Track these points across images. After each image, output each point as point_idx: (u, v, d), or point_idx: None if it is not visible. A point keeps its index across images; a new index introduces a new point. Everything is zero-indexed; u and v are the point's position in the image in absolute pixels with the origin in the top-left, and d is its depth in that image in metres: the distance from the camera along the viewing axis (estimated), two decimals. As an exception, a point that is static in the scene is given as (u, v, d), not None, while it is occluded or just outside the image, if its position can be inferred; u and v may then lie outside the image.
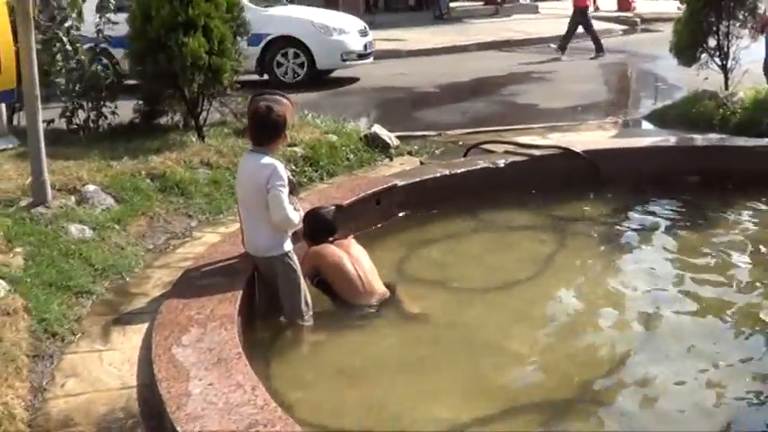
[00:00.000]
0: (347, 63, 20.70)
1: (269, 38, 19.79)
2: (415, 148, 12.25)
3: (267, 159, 6.90)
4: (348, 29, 20.89)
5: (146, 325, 6.50)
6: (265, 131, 7.03)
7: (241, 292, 6.67)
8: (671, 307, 7.60)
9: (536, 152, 11.16)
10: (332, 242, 7.72)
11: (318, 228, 7.80)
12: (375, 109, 17.54)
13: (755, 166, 10.79)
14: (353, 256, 7.58)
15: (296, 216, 7.03)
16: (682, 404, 6.08)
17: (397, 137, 12.29)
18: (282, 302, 7.07)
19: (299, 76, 20.11)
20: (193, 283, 6.94)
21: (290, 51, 20.07)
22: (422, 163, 11.47)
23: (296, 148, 10.88)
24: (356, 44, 20.83)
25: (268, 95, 11.61)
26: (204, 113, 11.66)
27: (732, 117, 12.67)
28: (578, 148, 11.15)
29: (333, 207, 8.35)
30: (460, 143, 12.59)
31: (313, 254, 7.58)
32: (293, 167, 10.31)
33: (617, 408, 6.04)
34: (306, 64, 20.10)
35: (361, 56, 20.93)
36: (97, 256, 7.66)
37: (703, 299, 7.81)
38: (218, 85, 11.34)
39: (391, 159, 11.65)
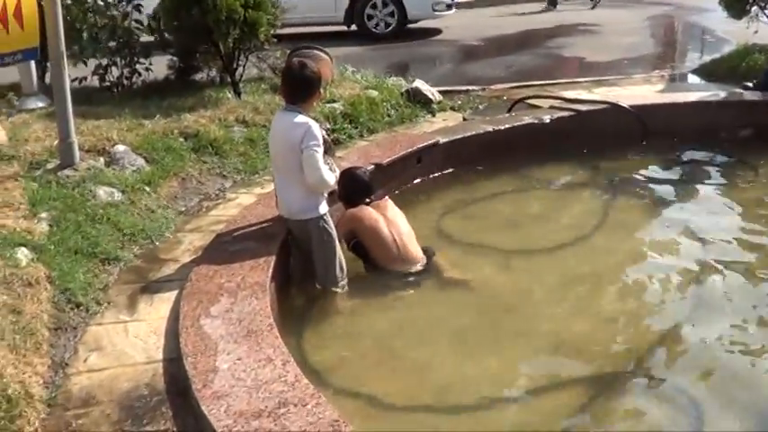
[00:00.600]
0: (437, 13, 20.46)
1: None
2: (459, 103, 11.90)
3: (301, 118, 6.56)
4: None
5: (174, 293, 6.20)
6: (298, 88, 6.68)
7: (274, 257, 6.38)
8: (724, 268, 7.25)
9: (582, 107, 10.78)
10: (369, 204, 7.40)
11: (355, 189, 7.48)
12: (416, 63, 17.11)
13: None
14: (390, 219, 7.29)
15: (331, 177, 6.70)
16: (738, 372, 5.75)
17: (440, 92, 11.94)
18: (316, 267, 6.77)
19: (389, 26, 19.88)
20: (225, 249, 6.65)
21: (379, 1, 19.84)
22: (465, 119, 11.11)
23: (335, 105, 10.56)
24: None
25: (305, 50, 11.34)
26: (240, 69, 11.32)
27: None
28: (625, 103, 10.77)
29: (370, 167, 8.05)
30: (505, 98, 12.20)
31: (349, 216, 7.29)
32: (331, 125, 10.03)
33: (670, 381, 5.67)
34: (396, 14, 19.81)
35: (449, 6, 20.67)
36: (126, 221, 7.36)
37: (754, 260, 7.48)
38: (254, 40, 10.98)
39: (434, 115, 11.32)
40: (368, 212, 7.28)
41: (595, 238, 8.01)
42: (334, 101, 10.63)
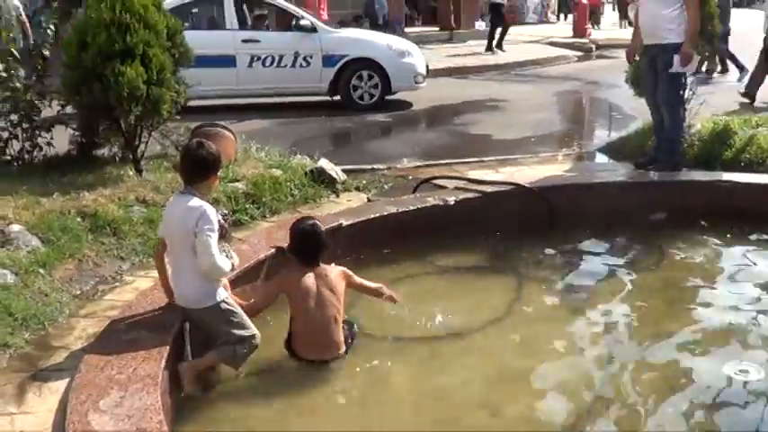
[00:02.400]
0: (417, 85, 20.85)
1: (345, 59, 19.98)
2: (363, 182, 11.82)
3: (195, 201, 6.42)
4: (413, 51, 21.02)
5: (64, 383, 6.01)
6: (195, 169, 6.55)
7: (168, 347, 6.21)
8: (628, 358, 7.25)
9: (488, 188, 10.75)
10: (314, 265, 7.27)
11: (298, 241, 7.39)
12: (322, 139, 17.12)
13: (714, 201, 10.52)
14: (323, 296, 7.13)
15: (226, 263, 6.53)
16: None
17: (345, 170, 11.86)
18: (221, 342, 6.57)
19: (372, 98, 20.23)
20: (118, 337, 6.43)
21: (365, 74, 20.17)
22: (369, 200, 11.04)
23: (237, 184, 10.38)
24: (422, 67, 20.96)
25: (209, 128, 11.24)
26: (143, 146, 11.15)
27: (690, 150, 12.31)
28: (530, 184, 10.77)
29: (278, 247, 7.94)
30: (411, 177, 12.15)
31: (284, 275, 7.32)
32: (233, 205, 9.90)
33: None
34: (379, 86, 20.19)
35: (424, 77, 21.02)
36: (18, 305, 7.13)
37: (663, 352, 7.45)
38: (157, 117, 10.84)
39: (338, 195, 11.22)
40: (306, 279, 7.14)
41: (502, 325, 7.93)
42: (236, 180, 10.47)
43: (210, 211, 6.45)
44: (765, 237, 10.00)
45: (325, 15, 28.27)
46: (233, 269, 6.77)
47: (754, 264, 9.44)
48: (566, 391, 6.72)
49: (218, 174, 6.76)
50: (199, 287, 6.49)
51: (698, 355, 7.39)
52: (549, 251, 9.75)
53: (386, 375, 7.02)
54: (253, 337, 6.63)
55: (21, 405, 5.86)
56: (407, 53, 20.69)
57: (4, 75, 10.86)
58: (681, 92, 11.90)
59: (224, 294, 6.62)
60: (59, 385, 6.05)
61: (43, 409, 5.79)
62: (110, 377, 5.76)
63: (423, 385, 6.88)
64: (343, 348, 7.09)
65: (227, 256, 6.58)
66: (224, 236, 6.70)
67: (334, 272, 7.33)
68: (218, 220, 6.56)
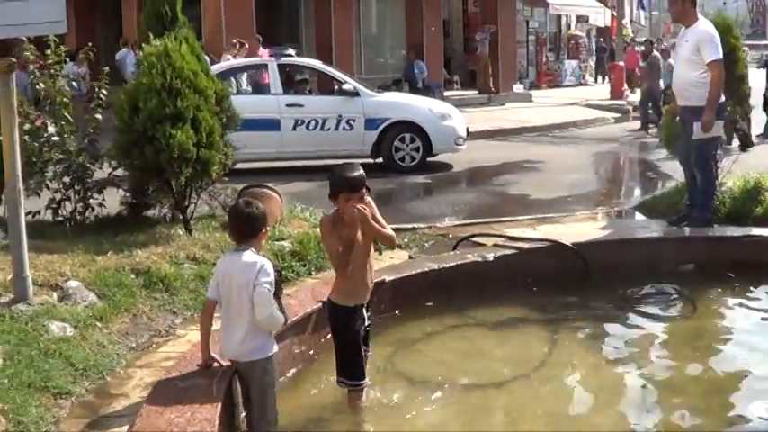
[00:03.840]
0: (457, 147, 21.12)
1: (387, 122, 20.30)
2: (405, 240, 12.12)
3: (252, 256, 6.68)
4: (453, 114, 21.32)
5: (125, 428, 6.36)
6: (244, 227, 6.83)
7: (222, 394, 6.54)
8: (664, 406, 7.56)
9: (525, 245, 11.05)
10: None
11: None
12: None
13: (744, 255, 10.81)
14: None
15: (281, 316, 6.84)
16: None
17: (387, 229, 12.14)
18: (253, 410, 6.81)
19: (414, 160, 20.53)
20: (175, 385, 6.74)
21: (407, 136, 20.47)
22: (411, 257, 11.35)
23: (283, 243, 10.75)
24: (462, 129, 21.24)
25: (255, 189, 11.55)
26: (192, 206, 11.57)
27: (722, 207, 12.57)
28: (566, 241, 11.05)
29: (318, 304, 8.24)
30: (450, 236, 12.46)
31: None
32: (280, 262, 10.21)
33: None
34: (420, 148, 20.49)
35: (464, 139, 21.33)
36: (77, 355, 7.53)
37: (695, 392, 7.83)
38: (206, 178, 11.26)
39: (380, 253, 11.50)
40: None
41: (539, 377, 8.21)
42: (282, 239, 10.83)
43: (269, 265, 6.73)
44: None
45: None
46: (286, 323, 7.03)
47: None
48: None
49: (266, 231, 7.06)
50: (251, 340, 6.75)
51: (729, 396, 7.78)
52: (584, 306, 10.02)
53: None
54: (268, 426, 6.86)
55: (85, 448, 6.20)
56: (448, 116, 20.99)
57: (57, 138, 11.26)
58: (712, 152, 12.15)
59: (273, 350, 6.88)
60: (121, 430, 6.37)
61: (106, 452, 6.13)
62: (169, 420, 6.08)
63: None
64: None
65: (281, 310, 6.85)
66: (278, 291, 6.96)
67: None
68: (275, 276, 6.85)
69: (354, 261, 7.20)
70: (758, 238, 11.11)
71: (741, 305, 10.07)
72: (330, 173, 7.23)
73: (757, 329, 9.43)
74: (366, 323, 7.43)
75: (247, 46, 25.90)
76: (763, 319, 9.70)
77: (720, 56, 11.68)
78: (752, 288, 10.38)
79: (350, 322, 7.27)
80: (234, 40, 25.75)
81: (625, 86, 38.36)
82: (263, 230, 6.90)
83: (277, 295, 6.81)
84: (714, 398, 7.76)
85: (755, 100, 20.90)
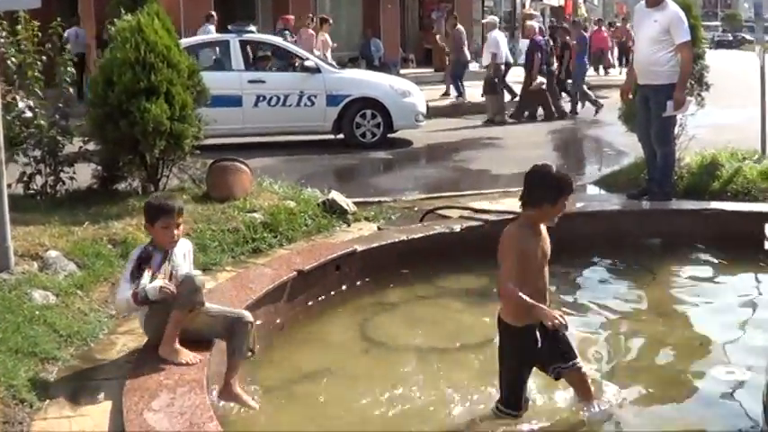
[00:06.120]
0: (418, 123, 21.46)
1: (348, 99, 20.56)
2: (372, 213, 12.34)
3: None
4: (413, 91, 21.65)
5: (114, 391, 6.49)
6: None
7: (209, 355, 6.77)
8: (623, 372, 7.81)
9: (491, 217, 11.29)
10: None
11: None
12: (328, 174, 17.70)
13: (700, 228, 11.24)
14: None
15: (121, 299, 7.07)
16: None
17: (354, 203, 12.37)
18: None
19: (375, 136, 20.82)
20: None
21: (368, 113, 20.73)
22: (379, 228, 11.59)
23: (255, 214, 10.94)
24: (423, 106, 21.62)
25: (226, 162, 11.76)
26: (164, 180, 11.75)
27: (680, 182, 12.90)
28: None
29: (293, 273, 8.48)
30: (416, 209, 12.71)
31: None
32: (251, 233, 10.43)
33: None
34: (381, 125, 20.78)
35: (424, 116, 21.67)
36: (61, 322, 7.69)
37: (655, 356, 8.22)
38: (179, 151, 11.44)
39: (349, 225, 11.74)
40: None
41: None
42: (254, 210, 11.02)
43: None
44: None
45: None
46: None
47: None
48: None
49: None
50: None
51: (687, 358, 8.16)
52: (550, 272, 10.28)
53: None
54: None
55: (76, 409, 6.37)
56: (408, 93, 21.31)
57: (29, 114, 11.37)
58: (672, 129, 12.54)
59: None
60: (110, 392, 6.54)
61: (98, 411, 6.30)
62: (158, 382, 6.30)
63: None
64: None
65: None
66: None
67: None
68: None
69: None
70: (715, 211, 11.45)
71: (698, 275, 10.44)
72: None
73: (712, 297, 9.78)
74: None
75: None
76: (718, 286, 10.18)
77: (689, 37, 12.07)
78: (709, 258, 10.76)
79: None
80: (309, 14, 26.49)
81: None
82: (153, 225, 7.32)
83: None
84: (677, 363, 8.09)
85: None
